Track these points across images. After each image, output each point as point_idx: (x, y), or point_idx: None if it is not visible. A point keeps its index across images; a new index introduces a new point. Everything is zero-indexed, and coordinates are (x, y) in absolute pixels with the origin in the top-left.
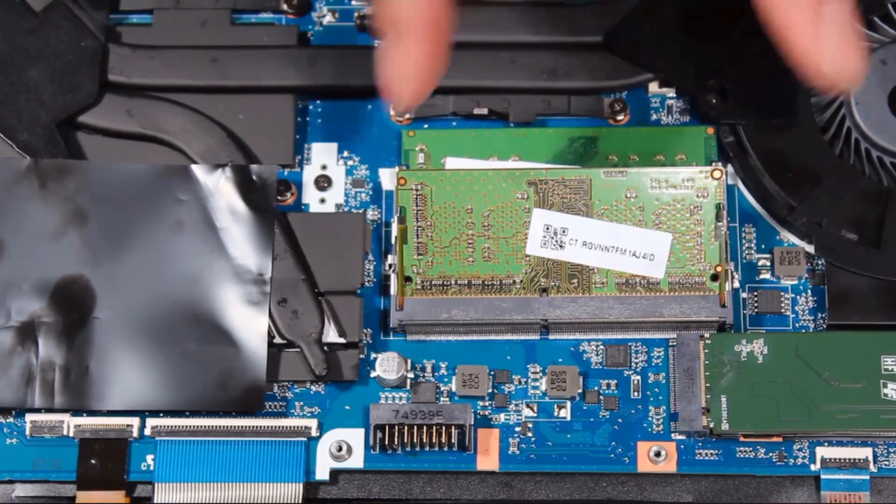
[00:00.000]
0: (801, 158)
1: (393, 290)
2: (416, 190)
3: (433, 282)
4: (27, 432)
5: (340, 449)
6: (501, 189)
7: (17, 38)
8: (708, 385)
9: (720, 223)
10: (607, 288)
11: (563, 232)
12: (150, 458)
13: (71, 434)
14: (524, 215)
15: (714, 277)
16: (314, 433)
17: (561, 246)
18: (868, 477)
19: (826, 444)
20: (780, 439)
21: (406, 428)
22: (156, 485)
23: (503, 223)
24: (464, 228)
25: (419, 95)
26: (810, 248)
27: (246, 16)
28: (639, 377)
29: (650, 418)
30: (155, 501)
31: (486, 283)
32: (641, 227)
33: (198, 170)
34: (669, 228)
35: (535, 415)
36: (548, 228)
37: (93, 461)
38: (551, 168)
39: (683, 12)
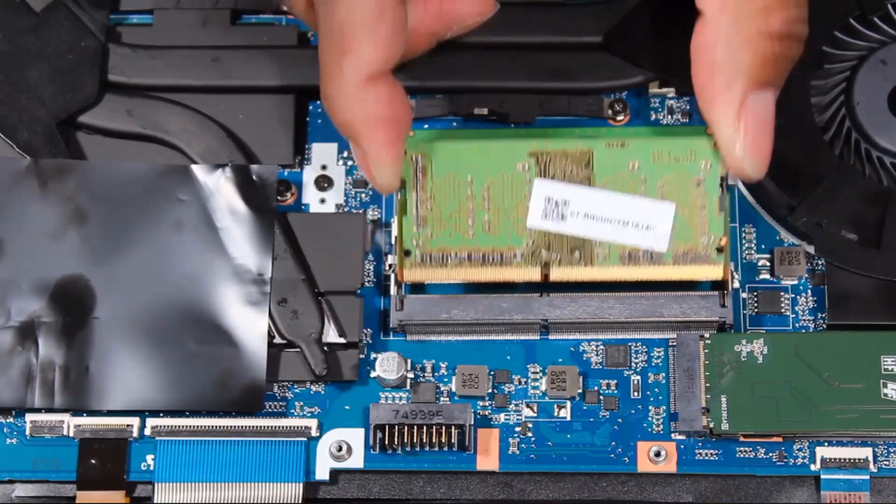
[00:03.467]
0: (801, 158)
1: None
2: (416, 161)
3: (432, 255)
4: (27, 432)
5: (340, 449)
6: (502, 161)
7: (17, 38)
8: (708, 385)
9: (724, 194)
10: (610, 260)
11: (565, 204)
12: (150, 458)
13: (71, 434)
14: (525, 187)
15: (719, 250)
16: (314, 433)
17: (562, 218)
18: (868, 477)
19: (826, 444)
20: (780, 439)
21: (406, 428)
22: (156, 485)
23: (504, 195)
24: (464, 200)
25: (392, 185)
26: (810, 248)
27: (246, 16)
28: (639, 377)
29: (650, 418)
30: (155, 501)
31: (486, 255)
32: (644, 198)
33: (198, 170)
34: (673, 200)
35: (535, 415)
36: (549, 200)
37: (93, 461)
38: (553, 139)
39: (684, 12)
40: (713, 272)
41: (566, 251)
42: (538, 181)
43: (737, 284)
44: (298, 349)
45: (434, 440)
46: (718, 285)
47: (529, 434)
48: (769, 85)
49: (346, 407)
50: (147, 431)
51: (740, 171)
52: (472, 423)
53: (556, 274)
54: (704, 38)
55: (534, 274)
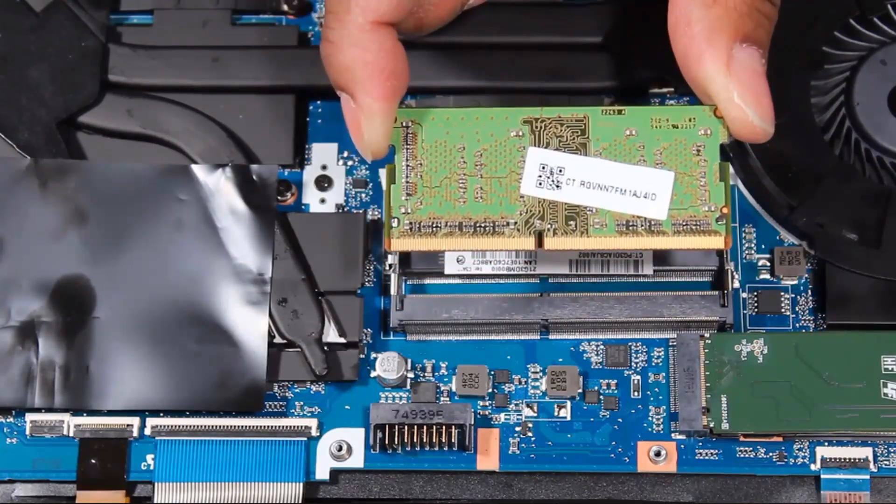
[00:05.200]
0: (801, 158)
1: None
2: (407, 128)
3: (422, 223)
4: (27, 432)
5: (340, 449)
6: (495, 127)
7: (17, 38)
8: (708, 385)
9: (725, 162)
10: (607, 230)
11: (560, 171)
12: (150, 457)
13: (71, 434)
14: (519, 154)
15: (719, 219)
16: (314, 433)
17: (557, 186)
18: (868, 477)
19: (826, 444)
20: (780, 439)
21: (406, 428)
22: (156, 485)
23: (497, 162)
24: (455, 168)
25: (380, 145)
26: (810, 249)
27: (246, 16)
28: (639, 377)
29: (650, 418)
30: (155, 501)
31: (477, 224)
32: (642, 166)
33: (198, 170)
34: (672, 168)
35: (535, 415)
36: (543, 168)
37: (93, 461)
38: (548, 107)
39: None
40: (714, 242)
41: (561, 220)
42: (532, 150)
43: (737, 284)
44: (298, 349)
45: (434, 440)
46: (718, 285)
47: (529, 434)
48: (751, 40)
49: (346, 407)
50: (147, 431)
51: (745, 122)
52: (472, 422)
53: (551, 244)
54: (677, 6)
55: (527, 243)
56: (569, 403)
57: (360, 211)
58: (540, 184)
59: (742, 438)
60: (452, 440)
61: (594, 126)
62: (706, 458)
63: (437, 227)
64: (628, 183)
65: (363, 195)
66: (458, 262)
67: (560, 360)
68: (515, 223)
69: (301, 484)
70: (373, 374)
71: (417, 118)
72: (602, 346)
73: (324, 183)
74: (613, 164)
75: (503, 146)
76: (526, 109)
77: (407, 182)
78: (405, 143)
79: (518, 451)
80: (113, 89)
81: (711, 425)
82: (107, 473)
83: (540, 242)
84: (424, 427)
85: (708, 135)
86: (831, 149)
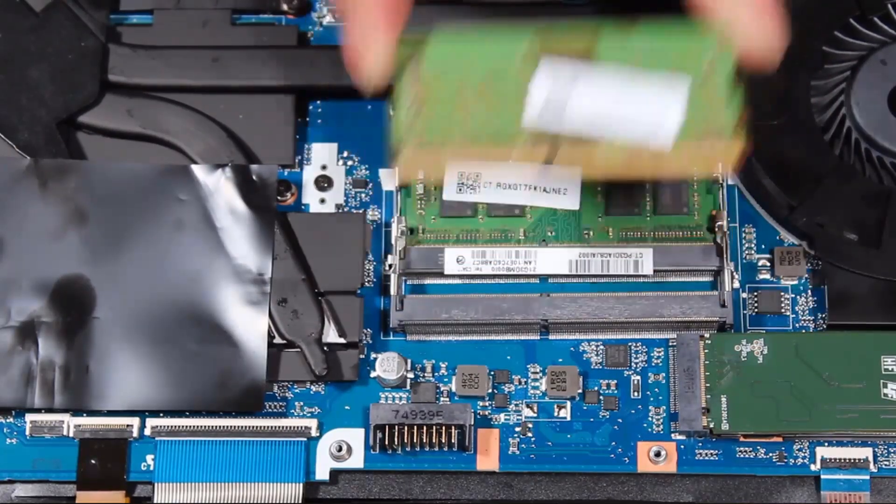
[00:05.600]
0: (801, 158)
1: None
2: (411, 58)
3: (430, 145)
4: (27, 432)
5: (340, 449)
6: (501, 51)
7: (17, 38)
8: (708, 385)
9: (737, 77)
10: (615, 151)
11: (568, 95)
12: (150, 458)
13: (71, 434)
14: (526, 78)
15: (731, 132)
16: (314, 433)
17: (565, 110)
18: (868, 477)
19: (826, 444)
20: (780, 439)
21: (406, 428)
22: (156, 485)
23: (503, 87)
24: (461, 92)
25: (380, 72)
26: (810, 249)
27: (246, 16)
28: (639, 377)
29: (650, 418)
30: (155, 501)
31: (486, 144)
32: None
33: (198, 170)
34: (682, 85)
35: (535, 415)
36: (551, 91)
37: (93, 461)
38: (555, 27)
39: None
40: (726, 152)
41: (569, 142)
42: (540, 72)
43: (737, 284)
44: (298, 349)
45: (434, 440)
46: (716, 285)
47: (529, 434)
48: None
49: (346, 407)
50: (147, 431)
51: (752, 39)
52: (472, 423)
53: (560, 158)
54: None
55: (537, 155)
56: (569, 404)
57: (360, 211)
58: (547, 108)
59: (742, 438)
60: (452, 440)
61: (603, 46)
62: (706, 458)
63: (445, 146)
64: (638, 105)
65: (363, 195)
66: (458, 262)
67: (560, 360)
68: (523, 144)
69: (301, 484)
70: (373, 375)
71: (421, 48)
72: (602, 347)
73: (324, 183)
74: (623, 81)
75: (509, 71)
76: (532, 32)
77: (411, 113)
78: (409, 69)
79: (518, 452)
80: (113, 89)
81: (711, 425)
82: (107, 474)
83: (549, 159)
84: (424, 427)
85: (719, 54)
86: (831, 149)
